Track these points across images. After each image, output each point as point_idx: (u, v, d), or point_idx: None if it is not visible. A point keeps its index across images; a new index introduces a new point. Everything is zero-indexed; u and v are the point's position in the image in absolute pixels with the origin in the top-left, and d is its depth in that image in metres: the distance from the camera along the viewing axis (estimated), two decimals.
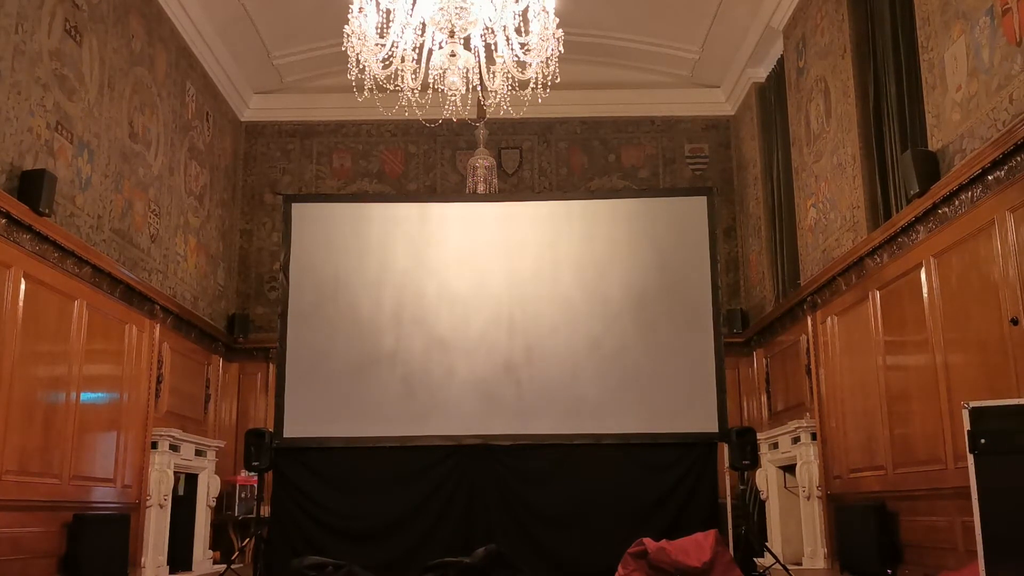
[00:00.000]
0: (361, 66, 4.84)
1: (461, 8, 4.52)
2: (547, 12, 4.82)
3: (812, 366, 7.39)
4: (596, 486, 7.03)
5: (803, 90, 7.73)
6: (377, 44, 4.79)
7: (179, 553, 7.50)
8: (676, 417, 7.84)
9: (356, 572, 5.83)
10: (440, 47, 4.81)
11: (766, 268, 8.74)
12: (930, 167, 5.40)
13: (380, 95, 5.03)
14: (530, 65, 4.88)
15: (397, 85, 4.97)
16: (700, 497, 6.94)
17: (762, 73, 8.98)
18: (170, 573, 7.18)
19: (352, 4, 4.81)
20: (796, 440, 7.49)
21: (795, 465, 7.48)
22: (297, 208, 9.07)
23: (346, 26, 4.80)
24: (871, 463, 6.33)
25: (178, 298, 7.89)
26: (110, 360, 6.63)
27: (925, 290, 5.57)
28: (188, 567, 7.58)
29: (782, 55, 8.33)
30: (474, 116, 7.06)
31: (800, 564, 7.19)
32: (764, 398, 8.84)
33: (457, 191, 9.22)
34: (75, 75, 6.16)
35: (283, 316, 7.56)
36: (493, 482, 7.09)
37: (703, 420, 8.13)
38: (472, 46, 4.91)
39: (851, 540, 6.41)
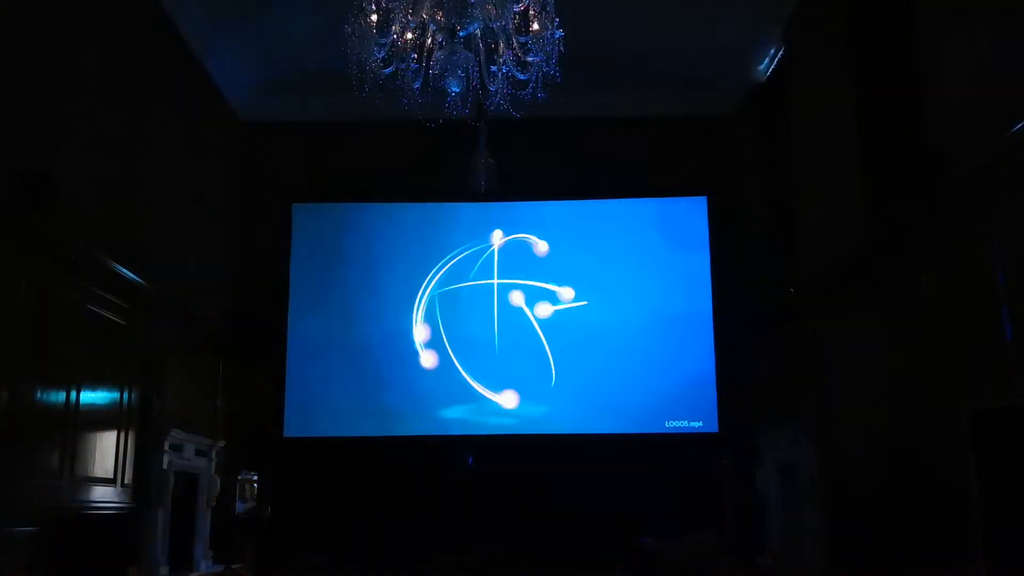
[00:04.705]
0: (361, 66, 4.85)
1: (461, 7, 4.53)
2: (548, 12, 4.83)
3: (813, 366, 7.38)
4: (596, 485, 7.06)
5: (803, 89, 7.73)
6: (377, 44, 4.80)
7: (179, 553, 7.50)
8: (676, 417, 7.84)
9: (356, 572, 5.84)
10: (440, 46, 4.82)
11: (766, 268, 8.74)
12: (930, 167, 5.41)
13: (380, 95, 5.04)
14: (531, 65, 4.88)
15: (397, 85, 4.97)
16: (700, 497, 6.95)
17: (762, 73, 8.99)
18: (170, 573, 7.18)
19: (352, 3, 4.82)
20: (796, 440, 7.49)
21: (795, 465, 7.49)
22: (298, 208, 9.09)
23: (346, 25, 4.81)
24: (871, 463, 6.34)
25: (179, 298, 7.88)
26: (110, 360, 6.62)
27: (926, 291, 5.57)
28: (188, 567, 7.58)
29: (782, 55, 8.33)
30: (474, 116, 7.05)
31: (800, 564, 7.19)
32: (765, 398, 8.84)
33: (457, 191, 9.20)
34: (75, 74, 6.16)
35: (283, 316, 7.57)
36: (494, 480, 7.12)
37: (703, 420, 8.14)
38: (472, 46, 4.92)
39: (851, 540, 6.42)
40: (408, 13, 4.73)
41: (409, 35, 4.79)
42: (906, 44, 6.05)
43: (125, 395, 6.82)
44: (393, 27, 4.79)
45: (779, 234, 8.54)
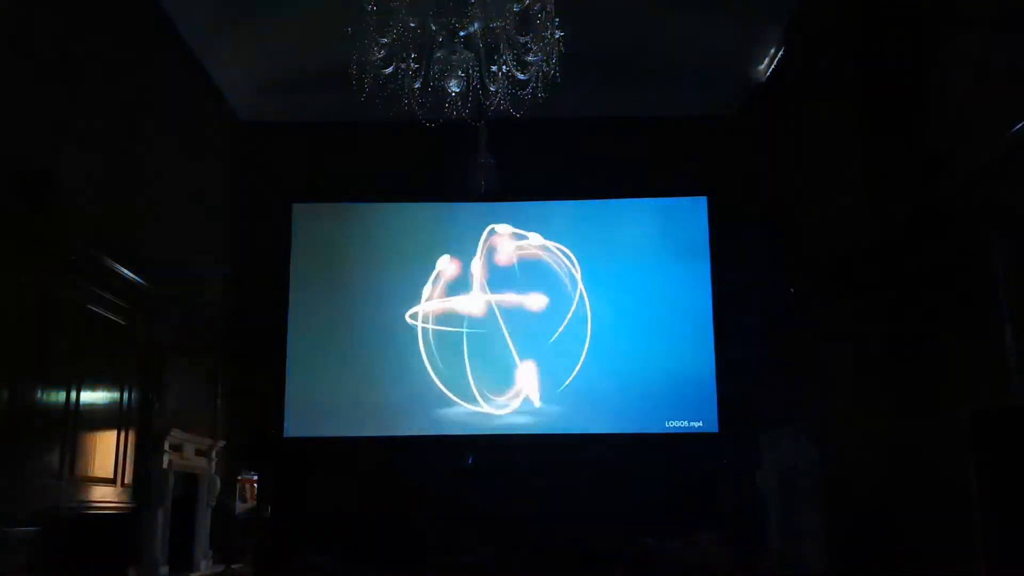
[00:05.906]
0: (361, 66, 4.85)
1: (462, 8, 4.54)
2: (548, 12, 4.83)
3: (813, 366, 7.39)
4: (596, 485, 7.06)
5: (803, 89, 7.73)
6: (378, 44, 4.80)
7: (179, 553, 7.51)
8: (676, 417, 7.83)
9: (356, 572, 5.85)
10: (441, 46, 4.82)
11: (766, 269, 8.74)
12: (930, 167, 5.41)
13: (380, 95, 5.04)
14: (531, 65, 4.89)
15: (397, 85, 4.98)
16: (701, 496, 6.97)
17: (763, 73, 8.99)
18: (170, 573, 7.19)
19: (352, 3, 4.82)
20: (796, 440, 7.49)
21: (795, 465, 7.49)
22: (298, 209, 9.09)
23: (347, 26, 4.81)
24: (871, 463, 6.34)
25: (179, 298, 7.88)
26: (110, 360, 6.62)
27: (926, 290, 5.57)
28: (188, 567, 7.58)
29: (783, 54, 8.34)
30: (474, 116, 7.07)
31: (799, 564, 7.19)
32: (765, 398, 8.83)
33: (457, 191, 9.20)
34: (75, 74, 6.16)
35: (283, 316, 7.58)
36: (494, 480, 7.13)
37: (703, 420, 8.13)
38: (472, 46, 4.92)
39: (851, 540, 6.42)
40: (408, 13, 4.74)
41: (409, 35, 4.80)
42: (906, 44, 6.05)
43: (125, 395, 6.81)
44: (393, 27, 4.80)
45: (779, 234, 8.54)
